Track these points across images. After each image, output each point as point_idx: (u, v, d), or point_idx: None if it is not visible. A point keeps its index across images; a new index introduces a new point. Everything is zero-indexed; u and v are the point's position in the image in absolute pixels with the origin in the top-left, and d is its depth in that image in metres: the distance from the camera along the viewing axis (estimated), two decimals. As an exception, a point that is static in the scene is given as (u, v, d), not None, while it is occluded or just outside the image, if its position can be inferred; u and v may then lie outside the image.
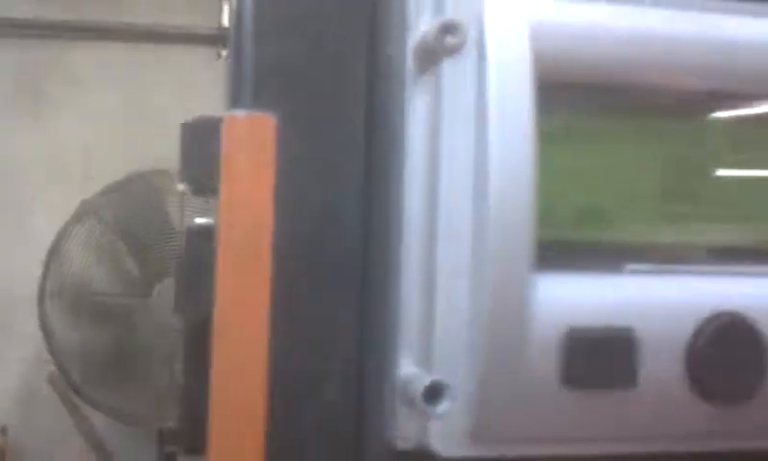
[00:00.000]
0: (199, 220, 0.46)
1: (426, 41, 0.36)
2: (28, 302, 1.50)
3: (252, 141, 0.39)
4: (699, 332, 0.37)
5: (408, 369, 0.37)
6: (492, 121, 0.35)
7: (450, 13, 0.36)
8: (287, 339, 0.38)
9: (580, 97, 0.38)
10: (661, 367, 0.36)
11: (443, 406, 0.36)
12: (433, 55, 0.37)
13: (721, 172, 0.39)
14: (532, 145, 0.35)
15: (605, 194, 0.38)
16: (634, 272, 0.38)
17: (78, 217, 1.53)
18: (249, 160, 0.39)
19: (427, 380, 0.36)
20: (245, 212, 0.39)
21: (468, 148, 0.36)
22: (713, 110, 0.39)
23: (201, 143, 0.41)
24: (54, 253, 1.54)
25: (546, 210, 0.38)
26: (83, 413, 1.62)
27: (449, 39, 0.36)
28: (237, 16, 0.40)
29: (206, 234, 0.39)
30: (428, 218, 0.37)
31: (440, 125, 0.37)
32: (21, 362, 1.68)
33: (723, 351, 0.37)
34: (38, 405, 1.66)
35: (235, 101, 0.40)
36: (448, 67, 0.36)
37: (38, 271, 1.50)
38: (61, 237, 1.53)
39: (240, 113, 0.39)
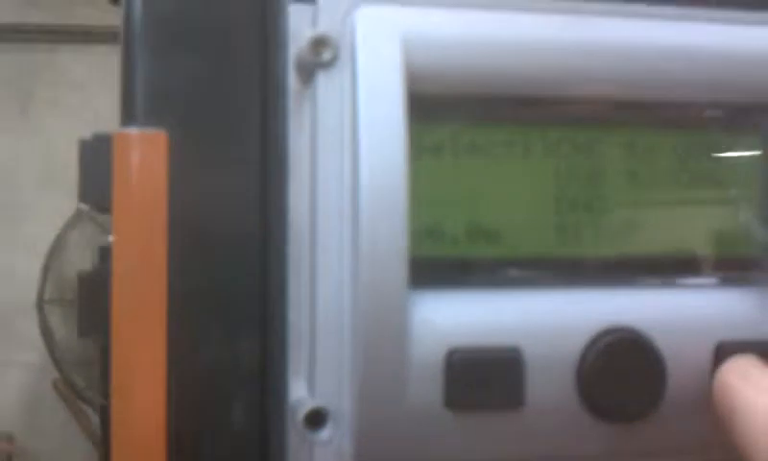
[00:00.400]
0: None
1: (301, 56, 0.35)
2: (30, 307, 1.50)
3: (143, 159, 0.38)
4: (589, 349, 0.35)
5: (298, 393, 0.36)
6: (362, 136, 0.34)
7: (323, 26, 0.35)
8: (187, 365, 0.37)
9: (465, 109, 0.36)
10: (550, 386, 0.35)
11: (325, 433, 0.35)
12: (309, 69, 0.35)
13: (616, 183, 0.37)
14: (403, 160, 0.34)
15: (494, 208, 0.36)
16: (521, 288, 0.36)
17: (74, 222, 1.53)
18: (140, 179, 0.38)
19: (309, 406, 0.35)
20: (137, 233, 0.38)
21: (341, 165, 0.35)
22: (606, 120, 0.37)
23: (97, 161, 0.40)
24: (52, 258, 1.54)
25: (433, 226, 0.36)
26: (88, 418, 1.63)
27: (322, 53, 0.35)
28: (126, 32, 0.39)
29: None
30: (309, 238, 0.36)
31: (316, 142, 0.35)
32: (26, 368, 1.68)
33: (615, 367, 0.35)
34: (44, 412, 1.67)
35: (127, 117, 0.39)
36: (323, 82, 0.35)
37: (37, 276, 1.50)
38: (59, 242, 1.53)
39: (131, 130, 0.38)
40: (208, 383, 0.38)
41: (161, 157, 0.38)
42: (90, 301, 0.44)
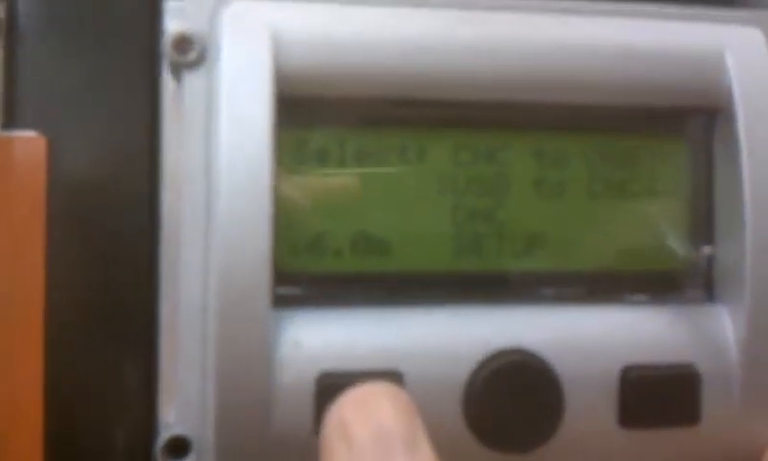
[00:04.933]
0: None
1: (168, 56, 0.32)
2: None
3: (21, 164, 0.35)
4: (477, 373, 0.32)
5: (167, 419, 0.33)
6: (222, 140, 0.31)
7: (189, 24, 0.32)
8: (67, 387, 0.34)
9: (351, 111, 0.33)
10: (435, 414, 0.31)
11: (187, 463, 0.32)
12: (176, 69, 0.32)
13: (520, 192, 0.34)
14: (267, 166, 0.31)
15: (384, 218, 0.33)
16: (408, 306, 0.33)
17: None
18: (18, 184, 0.35)
19: (170, 433, 0.32)
20: (12, 246, 0.35)
21: (202, 172, 0.32)
22: (509, 124, 0.34)
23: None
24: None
25: (315, 238, 0.33)
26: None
27: (187, 53, 0.32)
28: (7, 36, 0.36)
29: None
30: (174, 250, 0.33)
31: (184, 149, 0.32)
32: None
33: (507, 393, 0.32)
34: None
35: (7, 121, 0.37)
36: (189, 82, 0.32)
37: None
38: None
39: (8, 135, 0.35)
40: (90, 407, 0.34)
41: (40, 162, 0.36)
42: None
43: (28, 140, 0.37)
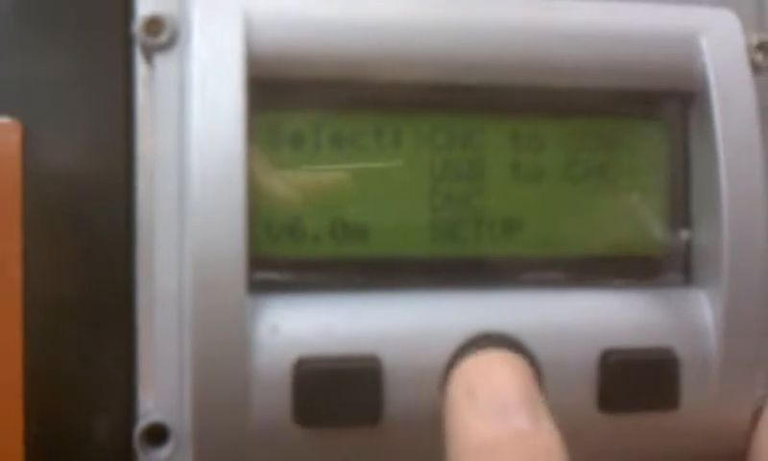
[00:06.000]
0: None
1: (140, 39, 0.32)
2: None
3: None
4: (456, 358, 0.32)
5: (145, 406, 0.33)
6: (194, 123, 0.30)
7: (160, 5, 0.32)
8: (46, 374, 0.33)
9: (326, 94, 0.33)
10: (412, 399, 0.31)
11: (165, 451, 0.32)
12: (148, 52, 0.32)
13: (498, 177, 0.33)
14: (241, 149, 0.30)
15: (361, 204, 0.33)
16: (386, 290, 0.33)
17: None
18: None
19: (147, 420, 0.32)
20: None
21: (176, 157, 0.31)
22: (487, 107, 0.34)
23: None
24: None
25: (292, 223, 0.33)
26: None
27: (158, 35, 0.32)
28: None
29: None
30: (150, 237, 0.32)
31: (156, 133, 0.32)
32: None
33: (486, 377, 0.32)
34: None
35: None
36: (160, 65, 0.32)
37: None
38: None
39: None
40: (70, 395, 0.34)
41: (15, 149, 0.35)
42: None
43: (3, 126, 0.37)
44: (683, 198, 0.36)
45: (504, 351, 0.31)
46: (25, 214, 0.34)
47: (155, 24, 0.32)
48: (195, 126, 0.31)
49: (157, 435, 0.32)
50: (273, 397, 0.31)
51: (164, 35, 0.32)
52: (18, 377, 0.34)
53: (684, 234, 0.36)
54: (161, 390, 0.32)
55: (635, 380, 0.34)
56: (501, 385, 0.28)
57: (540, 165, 0.36)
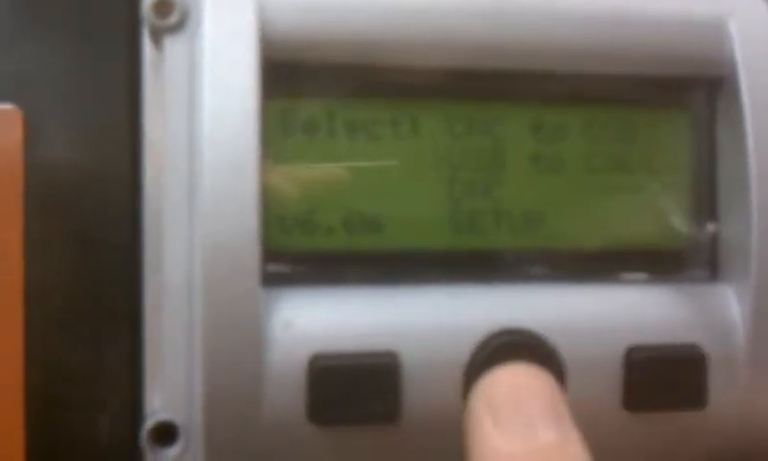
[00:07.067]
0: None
1: (149, 19, 0.31)
2: None
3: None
4: (478, 353, 0.30)
5: (152, 404, 0.32)
6: (206, 108, 0.29)
7: None
8: (48, 371, 0.32)
9: (342, 80, 0.32)
10: (432, 396, 0.30)
11: (174, 450, 0.31)
12: (156, 34, 0.31)
13: (518, 167, 0.32)
14: (255, 137, 0.29)
15: (377, 194, 0.31)
16: (403, 285, 0.31)
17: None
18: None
19: (156, 419, 0.31)
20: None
21: (185, 145, 0.30)
22: (507, 94, 0.32)
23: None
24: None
25: (305, 215, 0.32)
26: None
27: (168, 16, 0.31)
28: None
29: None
30: (158, 228, 0.31)
31: (167, 117, 0.31)
32: None
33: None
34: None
35: None
36: (170, 47, 0.31)
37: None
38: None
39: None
40: (73, 392, 0.33)
41: (17, 136, 0.34)
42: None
43: (4, 113, 0.36)
44: (709, 189, 0.35)
45: (527, 363, 0.30)
46: (27, 206, 0.32)
47: (164, 5, 0.30)
48: (206, 112, 0.29)
49: (166, 434, 0.31)
50: (287, 394, 0.30)
51: (174, 16, 0.30)
52: (19, 374, 0.33)
53: (710, 227, 0.35)
54: (169, 387, 0.31)
55: (660, 378, 0.33)
56: (525, 399, 0.27)
57: (562, 155, 0.34)
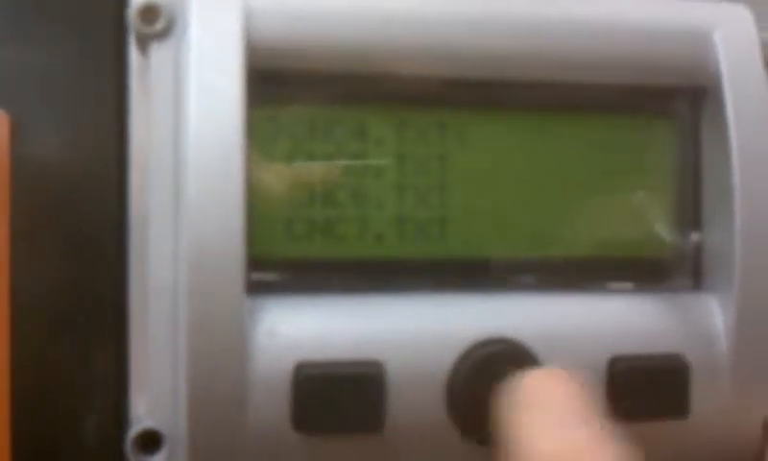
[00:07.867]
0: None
1: (134, 27, 0.30)
2: None
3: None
4: (461, 362, 0.30)
5: (137, 411, 0.31)
6: (191, 115, 0.29)
7: None
8: (34, 375, 0.32)
9: (325, 87, 0.31)
10: (417, 405, 0.30)
11: (158, 458, 0.31)
12: (142, 41, 0.31)
13: (505, 173, 0.32)
14: (240, 143, 0.29)
15: (361, 202, 0.31)
16: (387, 293, 0.31)
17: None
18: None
19: (141, 426, 0.30)
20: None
21: (171, 151, 0.30)
22: (492, 103, 0.32)
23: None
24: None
25: (287, 222, 0.32)
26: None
27: (154, 23, 0.30)
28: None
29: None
30: (143, 233, 0.31)
31: (151, 123, 0.31)
32: None
33: (493, 383, 0.30)
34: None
35: None
36: (156, 54, 0.31)
37: None
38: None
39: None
40: (56, 398, 0.33)
41: (4, 139, 0.34)
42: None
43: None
44: (693, 199, 0.35)
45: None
46: (13, 208, 0.32)
47: (150, 11, 0.30)
48: (191, 118, 0.29)
49: (151, 442, 0.31)
50: (271, 403, 0.30)
51: (160, 22, 0.30)
52: (5, 379, 0.33)
53: (694, 237, 0.35)
54: (154, 394, 0.31)
55: (643, 388, 0.33)
56: (562, 398, 0.28)
57: (547, 163, 0.34)
